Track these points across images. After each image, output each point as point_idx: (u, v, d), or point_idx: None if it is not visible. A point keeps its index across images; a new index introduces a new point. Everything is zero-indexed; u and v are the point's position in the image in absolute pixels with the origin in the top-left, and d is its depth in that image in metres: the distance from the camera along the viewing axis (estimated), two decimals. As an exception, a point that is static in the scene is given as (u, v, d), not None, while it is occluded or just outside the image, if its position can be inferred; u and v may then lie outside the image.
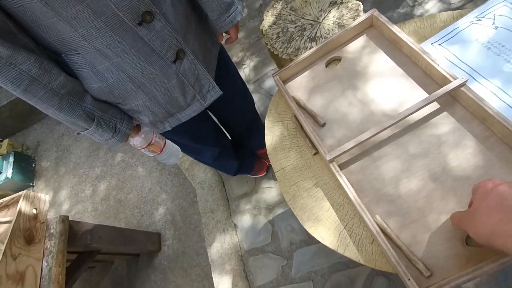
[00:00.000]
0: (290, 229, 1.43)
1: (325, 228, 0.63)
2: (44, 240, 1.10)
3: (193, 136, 0.99)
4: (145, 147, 0.80)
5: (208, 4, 0.73)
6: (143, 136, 0.78)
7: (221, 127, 1.24)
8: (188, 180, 1.79)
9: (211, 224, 1.55)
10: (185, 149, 1.01)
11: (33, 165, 2.49)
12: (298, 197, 0.68)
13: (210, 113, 1.12)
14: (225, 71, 0.96)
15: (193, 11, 0.74)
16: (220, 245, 1.48)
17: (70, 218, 1.19)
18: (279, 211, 1.49)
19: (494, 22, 0.63)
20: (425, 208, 0.56)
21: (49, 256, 1.06)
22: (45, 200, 1.19)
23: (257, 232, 1.49)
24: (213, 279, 1.42)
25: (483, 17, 0.64)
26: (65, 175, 2.31)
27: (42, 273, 1.03)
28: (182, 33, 0.68)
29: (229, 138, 1.29)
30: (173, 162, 0.91)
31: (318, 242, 0.62)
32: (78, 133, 0.72)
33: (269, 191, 1.56)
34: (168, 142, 0.89)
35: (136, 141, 0.78)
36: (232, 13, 0.77)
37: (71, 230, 1.18)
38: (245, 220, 1.56)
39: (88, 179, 2.19)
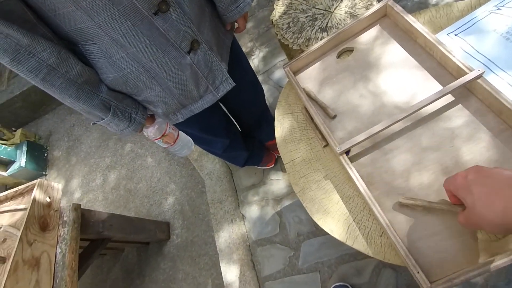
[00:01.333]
0: (297, 220, 1.44)
1: (334, 220, 0.63)
2: (58, 227, 1.13)
3: (204, 127, 1.00)
4: (159, 138, 0.80)
5: None
6: (157, 126, 0.79)
7: (231, 118, 1.24)
8: (196, 171, 1.81)
9: (219, 215, 1.57)
10: (195, 140, 1.01)
11: (46, 155, 2.54)
12: (308, 189, 0.68)
13: (221, 104, 1.12)
14: (237, 62, 0.96)
15: (207, 1, 0.74)
16: (228, 235, 1.50)
17: (82, 207, 1.22)
18: (287, 202, 1.50)
19: (514, 12, 0.61)
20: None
21: (63, 243, 1.09)
22: (58, 188, 1.22)
23: (265, 223, 1.51)
24: (221, 268, 1.44)
25: (503, 6, 0.62)
26: (76, 164, 2.35)
27: (56, 259, 1.06)
28: (197, 23, 0.68)
29: (238, 129, 1.29)
30: (185, 154, 0.92)
31: (325, 233, 0.63)
32: (94, 123, 0.72)
33: (277, 183, 1.56)
34: (181, 133, 0.89)
35: (150, 131, 0.79)
36: (240, 3, 0.77)
37: (83, 218, 1.21)
38: (253, 211, 1.57)
39: (99, 169, 2.23)
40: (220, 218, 1.56)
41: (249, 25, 2.08)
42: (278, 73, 1.82)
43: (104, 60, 0.64)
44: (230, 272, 1.41)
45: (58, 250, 1.08)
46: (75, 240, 1.12)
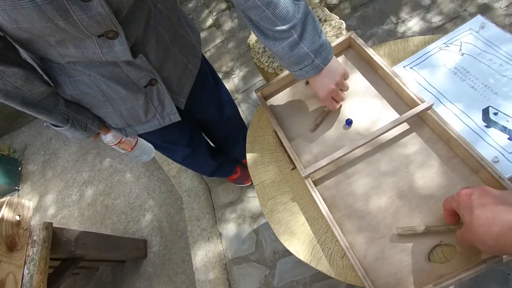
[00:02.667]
0: (274, 238, 1.45)
1: (300, 242, 0.65)
2: (27, 247, 1.09)
3: (164, 138, 1.03)
4: (116, 144, 0.84)
5: (274, 54, 0.65)
6: (113, 134, 0.83)
7: (200, 131, 1.25)
8: (175, 187, 1.80)
9: (197, 232, 1.56)
10: (156, 147, 1.05)
11: (20, 169, 2.46)
12: (275, 211, 0.71)
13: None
14: (205, 82, 1.00)
15: (174, 42, 0.77)
16: (205, 254, 1.49)
17: (55, 224, 1.19)
18: (263, 220, 1.51)
19: (461, 49, 0.67)
20: (393, 224, 0.59)
21: (31, 264, 1.06)
22: (29, 206, 1.19)
23: (242, 240, 1.51)
24: (197, 287, 1.43)
25: (451, 43, 0.68)
26: (52, 179, 2.29)
27: (23, 280, 1.03)
28: (159, 65, 0.73)
29: (206, 140, 1.31)
30: (145, 159, 0.96)
31: (298, 255, 0.65)
32: (47, 125, 0.75)
33: (255, 200, 1.58)
34: (141, 140, 0.93)
35: (107, 138, 0.83)
36: (304, 67, 0.64)
37: (55, 237, 1.18)
38: (230, 228, 1.57)
39: (76, 184, 2.18)
40: (197, 236, 1.55)
41: (230, 45, 2.13)
42: (258, 92, 1.86)
43: (65, 77, 0.67)
44: (206, 291, 1.39)
45: (26, 271, 1.05)
46: (44, 260, 1.08)
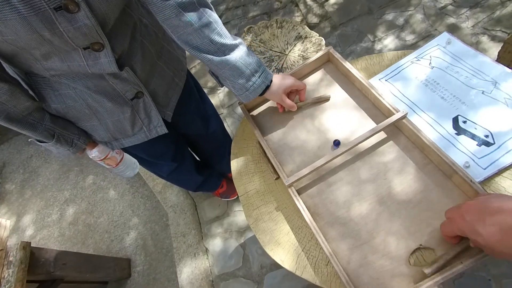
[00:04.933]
0: (261, 252, 1.43)
1: (285, 251, 0.66)
2: (2, 269, 1.04)
3: (149, 153, 1.02)
4: (101, 160, 0.84)
5: (235, 67, 0.67)
6: (98, 149, 0.82)
7: (186, 145, 1.26)
8: (160, 204, 1.77)
9: (182, 249, 1.53)
10: (141, 162, 1.04)
11: (-3, 188, 2.36)
12: (260, 221, 0.71)
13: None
14: (190, 97, 1.01)
15: (160, 56, 0.79)
16: (191, 271, 1.45)
17: (34, 244, 1.14)
18: (250, 234, 1.50)
19: (430, 63, 0.71)
20: (374, 231, 0.60)
21: (6, 286, 1.01)
22: (5, 225, 1.14)
23: (228, 256, 1.49)
24: (183, 306, 1.38)
25: (421, 57, 0.73)
26: (31, 198, 2.20)
27: (-3, 304, 0.97)
28: (145, 78, 0.74)
29: (191, 155, 1.31)
30: (129, 175, 0.95)
31: (283, 265, 0.65)
32: (32, 141, 0.73)
33: (241, 214, 1.57)
34: (126, 156, 0.92)
35: (92, 153, 0.82)
36: (263, 72, 0.70)
37: (33, 257, 1.13)
38: (216, 244, 1.55)
39: (56, 203, 2.10)
40: (183, 253, 1.52)
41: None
42: (244, 107, 1.89)
43: (50, 91, 0.66)
44: (192, 310, 1.35)
45: (0, 295, 0.99)
46: (21, 282, 1.03)
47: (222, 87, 0.73)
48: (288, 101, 0.75)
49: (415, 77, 0.71)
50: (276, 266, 1.37)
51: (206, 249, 1.56)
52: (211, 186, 1.51)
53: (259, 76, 0.69)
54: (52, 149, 0.75)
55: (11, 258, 1.06)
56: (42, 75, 0.63)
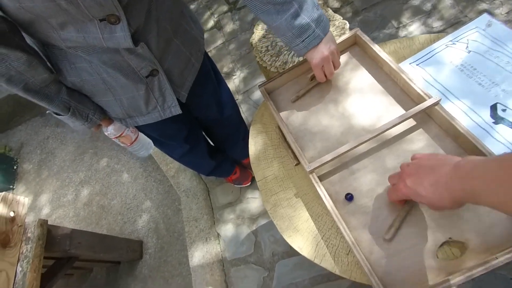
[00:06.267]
0: (273, 240, 1.43)
1: (303, 238, 0.64)
2: (21, 244, 1.06)
3: (163, 133, 1.02)
4: (117, 137, 0.84)
5: (276, 29, 0.68)
6: (114, 127, 0.82)
7: (199, 129, 1.24)
8: (173, 188, 1.78)
9: (194, 233, 1.54)
10: (155, 142, 1.04)
11: (15, 167, 2.42)
12: (279, 207, 0.69)
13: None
14: (206, 80, 0.99)
15: (177, 35, 0.77)
16: (202, 255, 1.46)
17: (49, 223, 1.16)
18: (262, 221, 1.49)
19: (467, 47, 0.67)
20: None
21: (25, 261, 1.03)
22: (24, 203, 1.16)
23: (240, 242, 1.49)
24: (194, 289, 1.40)
25: (457, 41, 0.68)
26: (48, 178, 2.25)
27: (16, 278, 1.00)
28: (160, 55, 0.73)
29: (205, 139, 1.29)
30: (143, 155, 0.96)
31: (299, 253, 0.63)
32: (50, 113, 0.74)
33: (254, 201, 1.56)
34: (141, 135, 0.92)
35: (107, 130, 0.82)
36: (306, 37, 0.67)
37: (50, 235, 1.15)
38: (228, 229, 1.55)
39: (72, 184, 2.15)
40: (194, 237, 1.53)
41: (231, 46, 2.14)
42: (258, 94, 1.86)
43: (66, 64, 0.66)
44: (203, 294, 1.36)
45: (19, 269, 1.02)
46: (38, 258, 1.05)
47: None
48: (319, 72, 0.72)
49: (449, 61, 0.66)
50: (288, 254, 1.36)
51: (218, 234, 1.56)
52: (224, 171, 1.50)
53: (303, 40, 0.66)
54: (68, 123, 0.76)
55: (29, 235, 1.08)
56: (59, 47, 0.62)
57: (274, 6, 0.64)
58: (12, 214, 1.09)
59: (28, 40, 0.61)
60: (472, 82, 0.63)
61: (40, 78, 0.63)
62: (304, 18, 0.64)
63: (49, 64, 0.66)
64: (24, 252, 1.05)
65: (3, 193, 1.10)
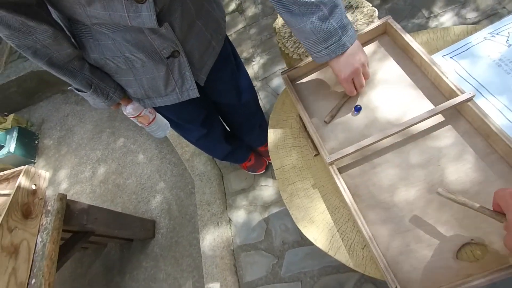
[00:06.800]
0: (284, 228, 1.43)
1: (319, 230, 0.63)
2: (41, 216, 1.11)
3: (180, 116, 1.02)
4: (135, 117, 0.85)
5: (299, 31, 0.64)
6: (133, 106, 0.84)
7: (217, 113, 1.24)
8: (187, 171, 1.80)
9: (206, 217, 1.56)
10: (172, 124, 1.04)
11: (36, 142, 2.51)
12: (295, 197, 0.68)
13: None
14: (226, 65, 0.98)
15: (200, 16, 0.76)
16: (213, 238, 1.48)
17: (67, 198, 1.20)
18: (274, 210, 1.49)
19: (508, 40, 0.63)
20: (420, 219, 0.56)
21: (44, 232, 1.07)
22: (45, 177, 1.20)
23: (251, 228, 1.50)
24: (203, 271, 1.43)
25: (497, 33, 0.64)
26: (67, 154, 2.32)
27: (36, 248, 1.04)
28: (183, 37, 0.72)
29: (221, 123, 1.29)
30: (160, 136, 0.97)
31: (310, 243, 0.63)
32: (71, 89, 0.75)
33: (267, 189, 1.56)
34: (158, 116, 0.93)
35: (126, 109, 0.84)
36: (331, 45, 0.63)
37: (68, 209, 1.19)
38: (240, 215, 1.56)
39: (89, 161, 2.20)
40: (206, 220, 1.55)
41: (252, 31, 2.10)
42: (277, 81, 1.83)
43: (90, 40, 0.66)
44: (212, 276, 1.39)
45: (39, 239, 1.06)
46: (57, 230, 1.10)
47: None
48: (348, 86, 0.68)
49: (487, 55, 0.63)
50: (298, 243, 1.37)
51: (230, 219, 1.58)
52: (239, 157, 1.50)
53: (327, 47, 0.63)
54: (89, 100, 0.77)
55: (49, 208, 1.12)
56: (84, 23, 0.62)
57: (299, 7, 0.60)
58: (33, 187, 1.13)
59: (54, 15, 0.62)
60: (510, 78, 0.59)
61: (64, 53, 0.64)
62: (331, 24, 0.61)
63: (73, 40, 0.66)
64: (44, 224, 1.09)
65: (26, 166, 1.14)
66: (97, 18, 0.58)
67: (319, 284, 1.26)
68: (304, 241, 1.36)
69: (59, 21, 0.63)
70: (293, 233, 1.40)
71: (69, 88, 0.76)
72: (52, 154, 2.39)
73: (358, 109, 0.69)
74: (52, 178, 2.25)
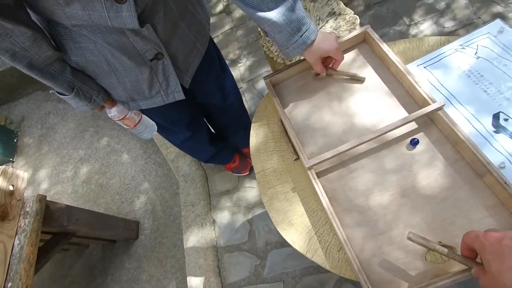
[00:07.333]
0: (267, 229, 1.45)
1: (297, 232, 0.65)
2: (19, 218, 1.08)
3: (165, 118, 1.02)
4: (120, 120, 0.84)
5: (273, 26, 0.64)
6: (117, 109, 0.82)
7: (202, 115, 1.24)
8: (172, 172, 1.79)
9: (191, 218, 1.56)
10: (157, 126, 1.03)
11: (15, 140, 2.43)
12: (275, 200, 0.70)
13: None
14: (210, 66, 0.99)
15: (183, 18, 0.76)
16: (197, 239, 1.49)
17: (48, 198, 1.18)
18: (258, 211, 1.51)
19: (476, 52, 0.66)
20: (393, 222, 0.58)
21: (22, 235, 1.05)
22: (23, 177, 1.17)
23: (235, 229, 1.51)
24: (187, 272, 1.43)
25: (467, 46, 0.67)
26: (48, 154, 2.27)
27: (13, 251, 1.02)
28: (166, 39, 0.72)
29: (206, 125, 1.30)
30: (146, 137, 0.96)
31: (292, 245, 0.64)
32: (53, 92, 0.74)
33: (251, 191, 1.58)
34: (144, 118, 0.92)
35: (111, 112, 0.83)
36: (305, 32, 0.65)
37: (48, 210, 1.17)
38: (224, 216, 1.57)
39: (71, 161, 2.16)
40: (191, 221, 1.55)
41: (239, 33, 2.11)
42: (263, 83, 1.85)
43: (71, 43, 0.65)
44: (195, 277, 1.39)
45: (16, 242, 1.04)
46: (36, 232, 1.08)
47: (267, 37, 0.70)
48: (319, 66, 0.71)
49: (457, 66, 0.66)
50: (281, 244, 1.39)
51: (214, 220, 1.59)
52: (223, 159, 1.51)
53: (301, 35, 0.65)
54: (71, 103, 0.76)
55: (27, 209, 1.10)
56: (64, 25, 0.61)
57: (267, 4, 0.62)
58: (11, 187, 1.10)
59: (33, 17, 0.61)
60: (477, 89, 0.62)
61: (45, 55, 0.63)
62: (299, 13, 0.63)
63: (53, 42, 0.65)
64: (22, 225, 1.07)
65: (3, 166, 1.12)
66: (77, 19, 0.57)
67: (300, 284, 1.28)
68: (286, 242, 1.37)
69: (38, 23, 0.62)
70: (276, 234, 1.42)
71: (50, 91, 0.74)
72: (32, 153, 2.33)
73: (415, 143, 0.63)
74: (32, 178, 2.19)
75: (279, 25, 0.63)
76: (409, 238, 0.50)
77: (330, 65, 0.75)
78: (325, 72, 0.74)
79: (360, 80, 0.74)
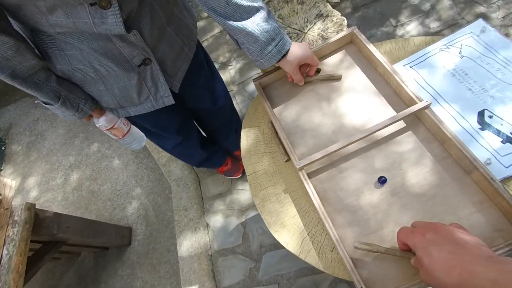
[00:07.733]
0: (261, 231, 1.45)
1: (290, 234, 0.65)
2: (7, 227, 1.06)
3: (155, 124, 1.01)
4: (108, 129, 0.83)
5: (247, 36, 0.64)
6: (106, 118, 0.81)
7: (192, 120, 1.24)
8: (164, 176, 1.78)
9: (184, 222, 1.55)
10: (147, 133, 1.03)
11: (3, 148, 2.38)
12: (267, 201, 0.70)
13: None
14: (199, 70, 0.99)
15: (170, 23, 0.76)
16: (191, 244, 1.47)
17: (37, 206, 1.16)
18: (251, 213, 1.51)
19: (460, 51, 0.67)
20: (383, 221, 0.59)
21: (11, 244, 1.03)
22: (11, 185, 1.15)
23: (229, 232, 1.50)
24: (181, 277, 1.42)
25: (451, 45, 0.69)
26: (37, 161, 2.23)
27: (2, 261, 1.00)
28: (153, 44, 0.71)
29: (197, 130, 1.29)
30: (135, 148, 0.95)
31: (286, 247, 0.64)
32: (38, 102, 0.72)
33: (244, 193, 1.57)
34: (133, 128, 0.91)
35: (99, 122, 0.81)
36: (280, 41, 0.66)
37: (37, 219, 1.15)
38: (217, 220, 1.56)
39: (61, 167, 2.13)
40: (184, 226, 1.54)
41: (229, 36, 2.11)
42: (253, 86, 1.85)
43: (56, 51, 0.64)
44: (190, 282, 1.38)
45: (5, 252, 1.02)
46: (25, 241, 1.05)
47: (240, 49, 0.70)
48: (299, 75, 0.73)
49: (442, 65, 0.67)
50: (275, 246, 1.39)
51: (207, 224, 1.58)
52: (215, 162, 1.51)
53: (276, 45, 0.66)
54: (58, 113, 0.74)
55: (16, 218, 1.08)
56: (48, 33, 0.60)
57: (241, 14, 0.62)
58: (-1, 196, 1.08)
59: (15, 26, 0.59)
60: (462, 87, 0.64)
61: (28, 64, 0.61)
62: (273, 23, 0.65)
63: (37, 51, 0.64)
64: (10, 235, 1.05)
65: (-10, 175, 1.09)
66: (61, 27, 0.57)
67: (295, 285, 1.28)
68: (280, 244, 1.37)
69: (21, 32, 0.61)
70: (270, 236, 1.42)
71: (36, 101, 0.72)
72: (21, 160, 2.28)
73: (383, 181, 0.62)
74: (21, 186, 2.15)
75: (254, 35, 0.63)
76: (356, 247, 0.54)
77: (305, 73, 0.77)
78: (302, 81, 0.76)
79: (337, 78, 0.75)
